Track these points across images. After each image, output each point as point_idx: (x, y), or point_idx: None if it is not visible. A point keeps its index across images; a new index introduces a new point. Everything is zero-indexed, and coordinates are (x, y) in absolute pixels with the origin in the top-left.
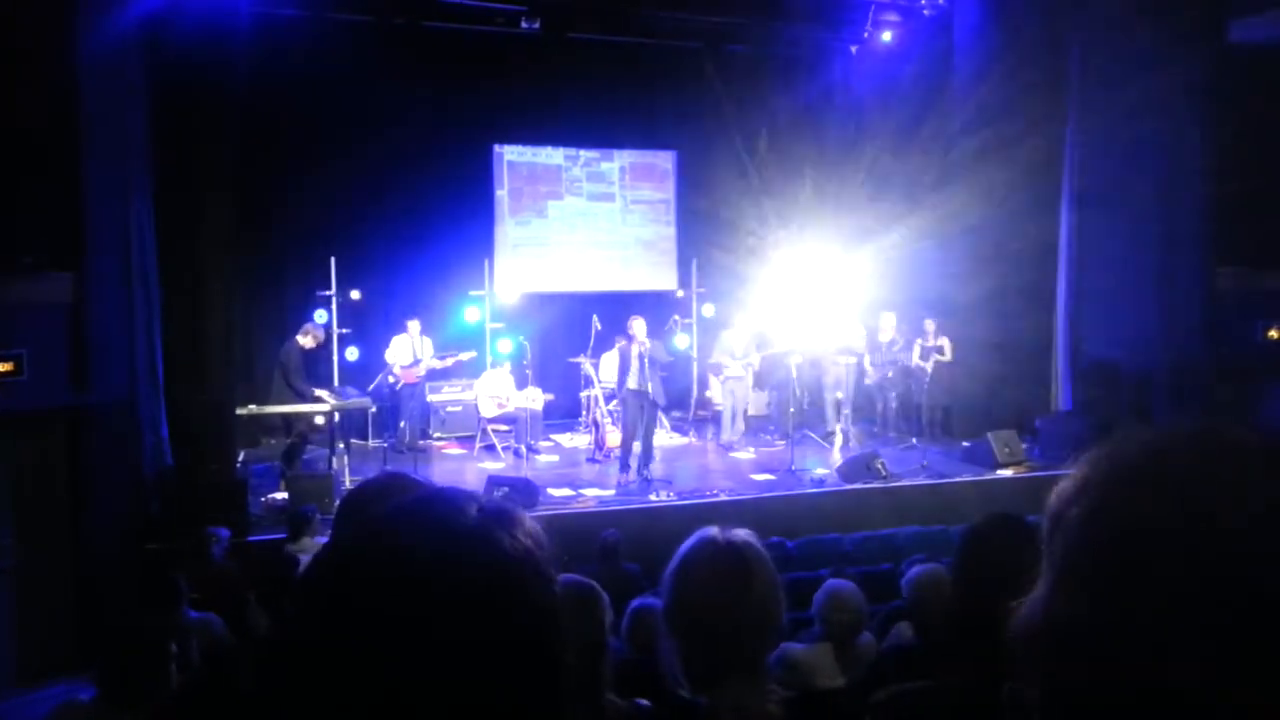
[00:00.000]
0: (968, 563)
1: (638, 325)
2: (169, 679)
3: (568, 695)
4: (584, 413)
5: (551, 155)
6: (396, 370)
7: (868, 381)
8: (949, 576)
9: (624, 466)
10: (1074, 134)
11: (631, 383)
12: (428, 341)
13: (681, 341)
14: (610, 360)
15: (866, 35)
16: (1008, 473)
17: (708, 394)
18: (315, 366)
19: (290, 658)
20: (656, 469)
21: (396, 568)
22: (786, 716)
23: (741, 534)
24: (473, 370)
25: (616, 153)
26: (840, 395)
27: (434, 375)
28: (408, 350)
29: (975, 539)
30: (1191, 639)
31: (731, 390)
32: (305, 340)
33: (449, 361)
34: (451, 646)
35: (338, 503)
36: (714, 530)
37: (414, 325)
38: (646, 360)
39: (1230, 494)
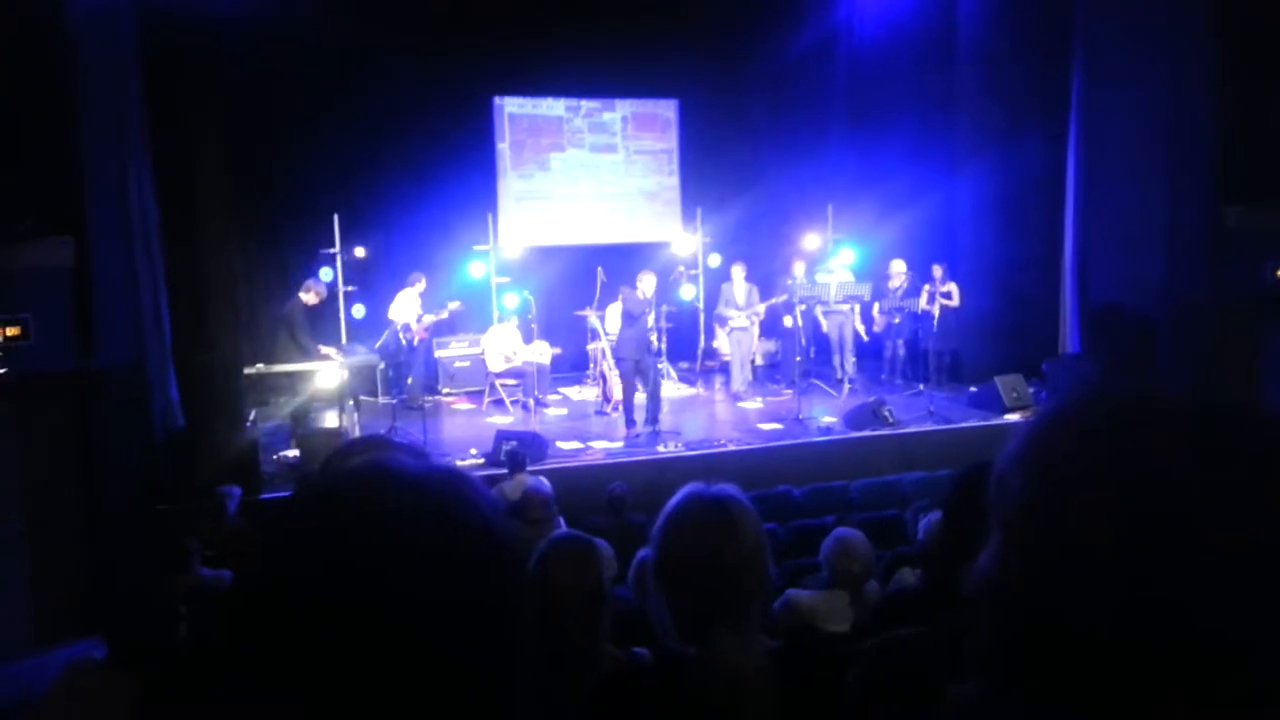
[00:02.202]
0: (954, 510)
1: (647, 280)
2: (179, 639)
3: (522, 655)
4: (591, 365)
5: (553, 106)
6: (414, 327)
7: (875, 329)
8: None
9: (629, 422)
10: (1080, 74)
11: (637, 333)
12: (419, 298)
13: (687, 292)
14: (616, 311)
15: None
16: (1015, 417)
17: (714, 344)
18: (322, 324)
19: (244, 609)
20: (665, 420)
21: (338, 520)
22: (776, 666)
23: (728, 488)
24: (480, 325)
25: (618, 102)
26: (844, 343)
27: (438, 330)
28: (414, 306)
29: (961, 487)
30: (1125, 596)
31: (738, 341)
32: (308, 297)
33: (443, 314)
34: (387, 600)
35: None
36: (700, 485)
37: (422, 282)
38: (650, 316)
39: (1157, 457)
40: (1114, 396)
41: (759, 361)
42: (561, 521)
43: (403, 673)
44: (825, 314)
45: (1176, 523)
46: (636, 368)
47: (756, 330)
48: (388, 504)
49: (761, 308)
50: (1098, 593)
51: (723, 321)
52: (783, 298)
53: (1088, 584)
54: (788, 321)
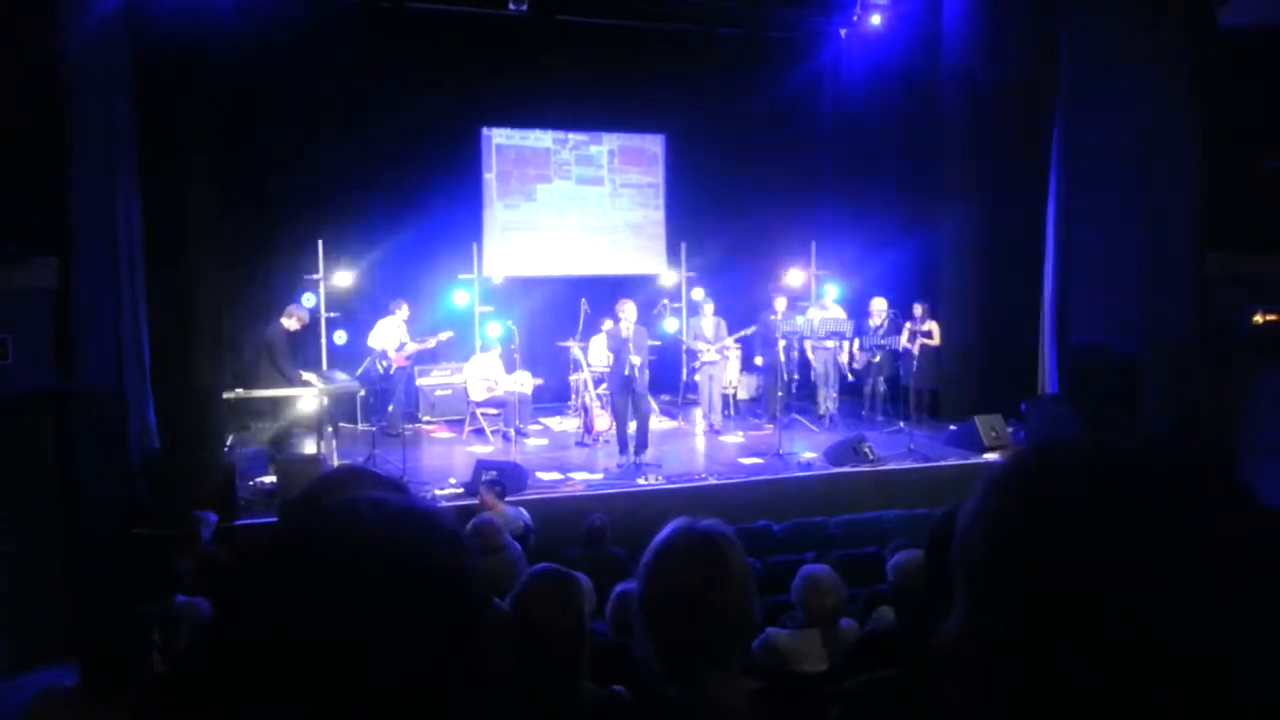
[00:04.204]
0: (937, 550)
1: (628, 308)
2: (152, 666)
3: (496, 689)
4: (573, 396)
5: (540, 138)
6: (391, 354)
7: (856, 366)
8: None
9: (622, 448)
10: (1062, 118)
11: (619, 367)
12: (404, 325)
13: (671, 325)
14: (599, 344)
15: (855, 18)
16: (994, 456)
17: (696, 378)
18: (304, 350)
19: (219, 639)
20: (646, 452)
21: (310, 558)
22: (758, 707)
23: (716, 525)
24: (462, 354)
25: (605, 136)
26: (828, 378)
27: (420, 359)
28: (394, 334)
29: (944, 528)
30: (1094, 656)
31: (709, 375)
32: (289, 322)
33: (430, 343)
34: (356, 634)
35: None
36: (688, 521)
37: (404, 310)
38: (632, 344)
39: (1104, 510)
40: (1066, 450)
41: (741, 395)
42: (518, 547)
43: (373, 703)
44: (812, 349)
45: (1134, 581)
46: (626, 398)
47: (737, 364)
48: (357, 543)
49: (730, 341)
50: (1067, 653)
51: (693, 355)
52: (750, 330)
53: (1057, 643)
54: (758, 360)
